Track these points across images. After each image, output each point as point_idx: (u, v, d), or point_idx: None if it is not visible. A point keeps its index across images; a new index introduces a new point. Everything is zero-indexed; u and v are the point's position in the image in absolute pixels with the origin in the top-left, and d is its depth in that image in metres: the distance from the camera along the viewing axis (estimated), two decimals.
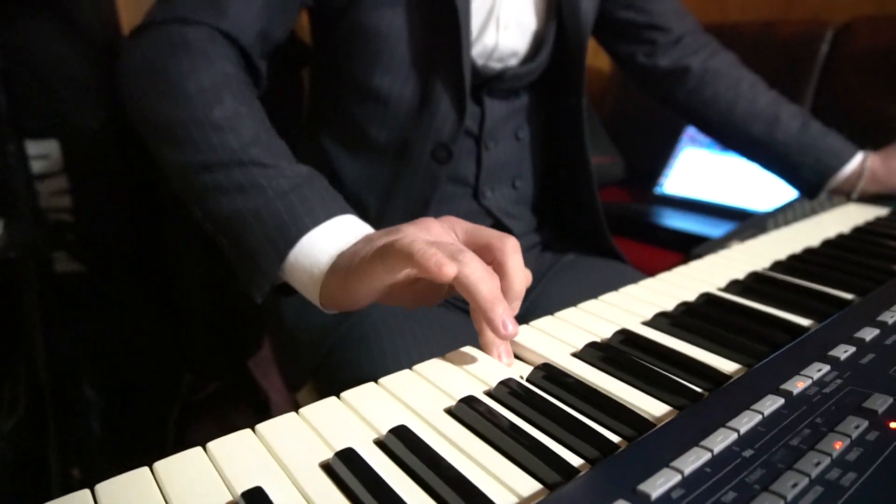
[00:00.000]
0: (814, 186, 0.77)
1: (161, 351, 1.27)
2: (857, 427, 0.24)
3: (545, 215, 0.77)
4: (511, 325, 0.33)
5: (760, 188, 1.34)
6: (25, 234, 0.99)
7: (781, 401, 0.26)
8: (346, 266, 0.39)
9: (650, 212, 1.42)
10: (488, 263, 0.37)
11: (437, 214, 0.66)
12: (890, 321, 0.34)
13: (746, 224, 0.81)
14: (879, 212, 0.69)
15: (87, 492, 0.25)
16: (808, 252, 0.54)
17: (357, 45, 0.61)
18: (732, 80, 0.79)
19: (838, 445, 0.23)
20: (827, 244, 0.56)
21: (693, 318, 0.42)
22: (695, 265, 0.54)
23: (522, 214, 0.74)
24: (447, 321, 0.61)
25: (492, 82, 0.65)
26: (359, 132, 0.64)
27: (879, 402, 0.25)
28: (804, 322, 0.39)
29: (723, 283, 0.48)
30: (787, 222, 0.74)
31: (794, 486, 0.20)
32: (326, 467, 0.25)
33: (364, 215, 0.66)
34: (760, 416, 0.25)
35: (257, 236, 0.43)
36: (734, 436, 0.24)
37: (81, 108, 1.22)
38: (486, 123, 0.66)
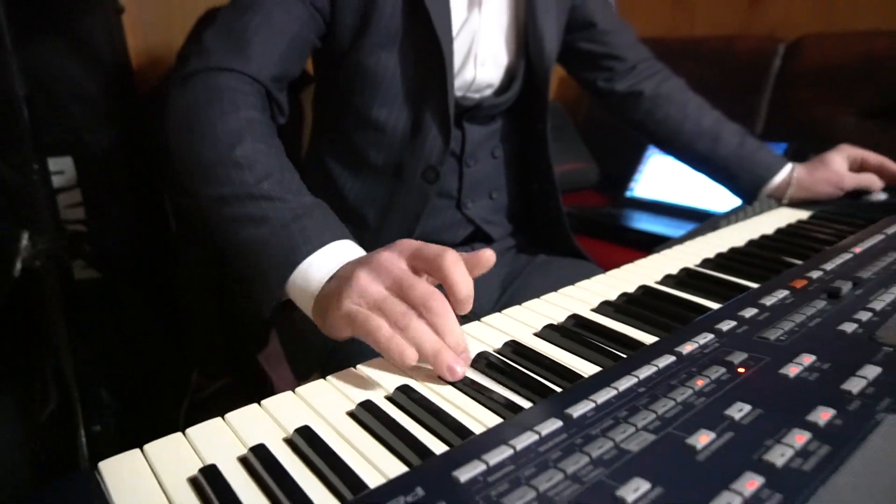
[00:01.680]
0: (750, 194, 0.89)
1: (169, 351, 1.36)
2: (716, 372, 0.35)
3: (519, 222, 0.88)
4: (458, 369, 0.41)
5: (720, 192, 1.46)
6: (48, 244, 1.08)
7: (673, 358, 0.37)
8: (325, 304, 0.48)
9: (621, 214, 1.54)
10: (434, 278, 0.46)
11: (425, 225, 0.78)
12: (768, 303, 0.45)
13: (704, 225, 0.92)
14: (805, 214, 0.81)
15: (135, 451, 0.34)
16: (733, 250, 0.66)
17: (357, 82, 0.72)
18: (681, 103, 0.90)
19: (700, 383, 0.34)
20: (750, 243, 0.68)
21: (631, 304, 0.53)
22: (641, 262, 0.65)
23: (500, 221, 0.85)
24: None
25: (471, 110, 0.76)
26: (359, 156, 0.75)
27: (736, 356, 0.36)
28: (711, 305, 0.50)
29: (659, 277, 0.59)
30: (737, 222, 0.86)
31: (664, 406, 0.31)
32: (243, 460, 0.33)
33: (364, 226, 0.78)
34: (656, 368, 0.36)
35: (265, 262, 0.53)
36: (635, 380, 0.35)
37: (93, 127, 1.31)
38: (466, 145, 0.77)
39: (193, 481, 0.32)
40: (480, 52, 0.74)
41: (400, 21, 0.69)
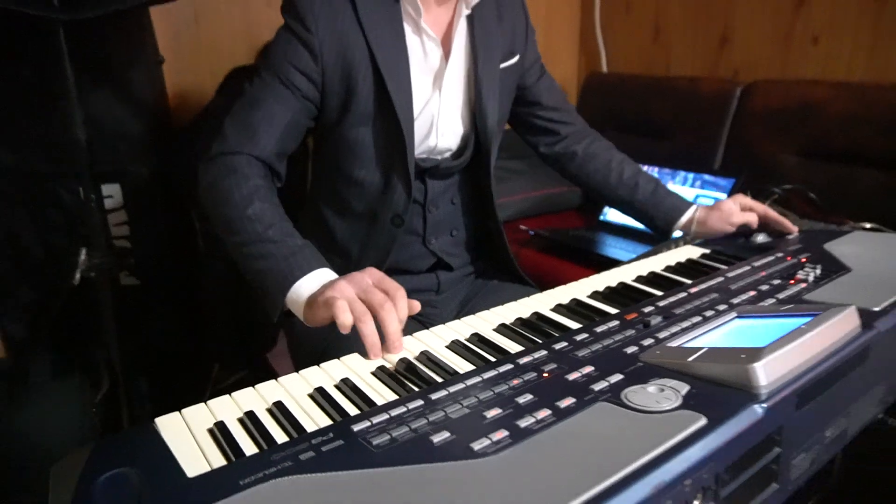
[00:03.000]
0: (664, 231, 1.09)
1: (196, 348, 1.61)
2: (530, 375, 0.56)
3: (474, 254, 1.10)
4: (392, 344, 0.65)
5: None
6: (101, 258, 1.32)
7: (511, 365, 0.59)
8: (312, 304, 0.71)
9: (589, 237, 1.74)
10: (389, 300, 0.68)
11: (397, 256, 1.00)
12: (598, 329, 0.66)
13: (650, 251, 1.11)
14: (698, 252, 1.00)
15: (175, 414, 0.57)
16: (620, 283, 0.86)
17: (342, 151, 0.94)
18: (606, 160, 1.11)
19: (515, 382, 0.55)
20: (637, 277, 0.89)
21: (520, 325, 0.74)
22: (557, 289, 0.86)
23: (458, 254, 1.07)
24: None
25: (433, 169, 0.98)
26: (344, 204, 0.98)
27: (548, 366, 0.57)
28: (574, 325, 0.71)
29: (566, 300, 0.80)
30: (656, 254, 1.06)
31: (484, 393, 0.53)
32: (240, 419, 0.55)
33: (348, 257, 1.00)
34: (496, 371, 0.57)
35: (271, 284, 0.76)
36: (479, 378, 0.56)
37: (136, 159, 1.55)
38: (429, 195, 0.99)
39: (210, 431, 0.54)
40: (441, 125, 0.96)
41: (372, 105, 0.91)
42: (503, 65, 1.00)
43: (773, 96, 1.66)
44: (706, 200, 1.64)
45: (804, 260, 0.85)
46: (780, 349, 0.51)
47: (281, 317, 0.78)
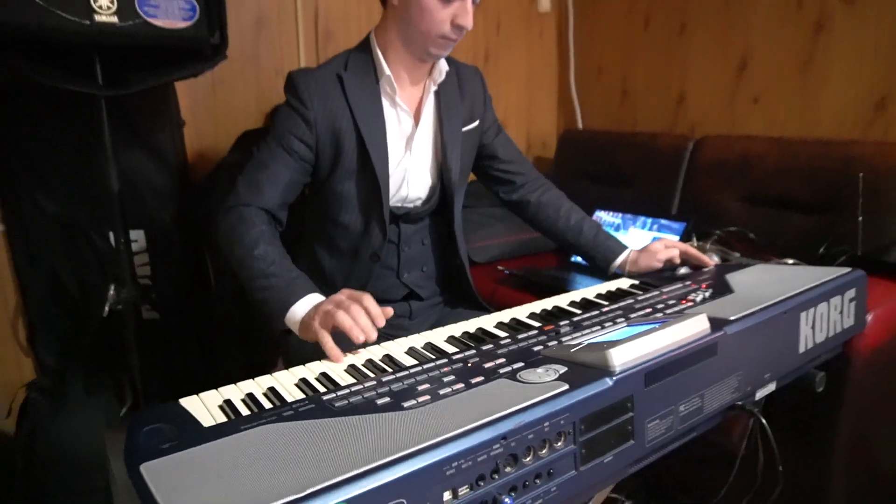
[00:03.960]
0: (602, 269, 1.29)
1: (205, 371, 1.80)
2: (457, 366, 0.75)
3: (442, 286, 1.30)
4: (370, 333, 0.85)
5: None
6: (127, 294, 1.53)
7: (446, 360, 0.78)
8: (306, 325, 0.91)
9: (558, 276, 1.93)
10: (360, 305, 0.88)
11: (374, 287, 1.21)
12: (520, 336, 0.85)
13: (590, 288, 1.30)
14: (628, 283, 1.19)
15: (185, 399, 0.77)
16: (555, 306, 1.06)
17: (331, 199, 1.16)
18: (556, 208, 1.32)
19: (446, 369, 0.74)
20: (571, 302, 1.08)
21: (466, 337, 0.93)
22: (498, 313, 1.05)
23: (428, 286, 1.27)
24: None
25: (405, 215, 1.19)
26: (331, 243, 1.19)
27: (471, 360, 0.76)
28: (502, 334, 0.90)
29: (506, 319, 0.99)
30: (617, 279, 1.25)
31: (420, 379, 0.72)
32: (242, 399, 0.77)
33: (334, 287, 1.21)
34: (434, 363, 0.77)
35: (273, 309, 0.96)
36: (420, 367, 0.76)
37: (159, 207, 1.78)
38: (402, 237, 1.21)
39: (219, 406, 0.73)
40: (411, 178, 1.18)
41: (355, 164, 1.14)
42: (464, 128, 1.22)
43: (718, 150, 1.88)
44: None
45: (703, 286, 1.05)
46: (632, 341, 0.70)
47: (282, 334, 0.98)
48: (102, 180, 1.50)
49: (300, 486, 0.49)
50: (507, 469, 0.59)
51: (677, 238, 1.80)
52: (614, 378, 0.67)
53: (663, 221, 1.90)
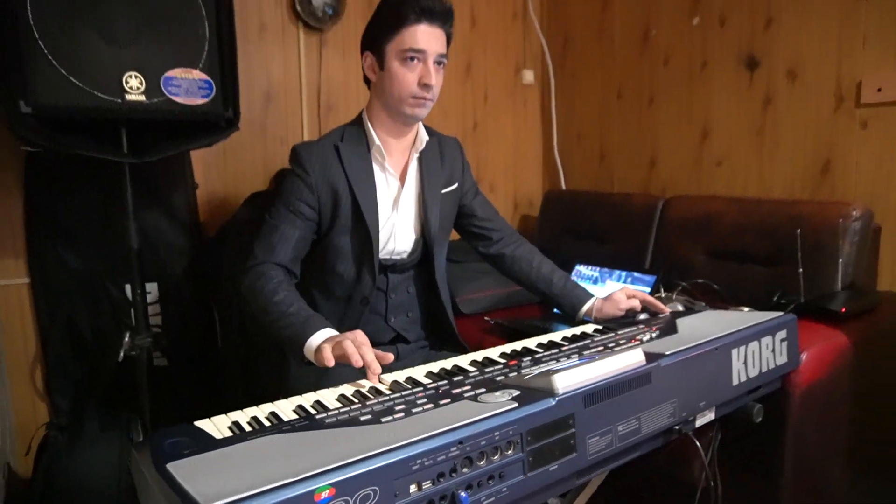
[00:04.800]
0: (570, 316, 1.44)
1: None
2: (431, 392, 0.89)
3: (428, 329, 1.44)
4: (374, 367, 0.98)
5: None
6: (141, 341, 1.67)
7: (420, 388, 0.91)
8: (318, 352, 1.05)
9: (541, 326, 2.07)
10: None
11: (364, 331, 1.34)
12: (487, 369, 0.99)
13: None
14: (592, 328, 1.33)
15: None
16: (524, 347, 1.19)
17: (329, 252, 1.32)
18: (529, 261, 1.47)
19: (420, 395, 0.88)
20: (538, 344, 1.22)
21: (442, 372, 1.07)
22: (474, 353, 1.19)
23: (414, 330, 1.42)
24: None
25: (392, 266, 1.35)
26: (328, 290, 1.34)
27: (444, 388, 0.89)
28: (473, 369, 1.04)
29: (479, 358, 1.13)
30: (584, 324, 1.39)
31: (409, 399, 0.85)
32: (248, 420, 0.90)
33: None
34: (411, 391, 0.90)
35: (294, 343, 1.10)
36: (409, 391, 0.89)
37: (172, 262, 1.94)
38: (389, 285, 1.36)
39: (229, 427, 0.87)
40: (398, 233, 1.35)
41: (350, 221, 1.30)
42: (444, 190, 1.39)
43: (684, 209, 2.05)
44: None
45: (654, 328, 1.19)
46: (573, 369, 0.85)
47: (301, 364, 1.12)
48: (122, 237, 1.66)
49: (295, 472, 0.62)
50: (464, 469, 0.72)
51: (648, 290, 1.95)
52: (557, 398, 0.81)
53: (636, 274, 2.05)
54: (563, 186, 2.75)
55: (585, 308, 1.41)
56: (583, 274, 2.20)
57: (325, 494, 0.61)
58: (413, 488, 0.68)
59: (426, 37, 1.22)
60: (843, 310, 1.40)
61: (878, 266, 1.73)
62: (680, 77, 2.23)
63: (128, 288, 1.84)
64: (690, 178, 2.24)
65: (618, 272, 2.11)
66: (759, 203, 1.85)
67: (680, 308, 1.57)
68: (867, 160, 1.75)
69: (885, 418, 1.44)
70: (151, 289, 1.89)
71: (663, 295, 1.84)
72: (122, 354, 1.64)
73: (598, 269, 2.14)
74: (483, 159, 2.69)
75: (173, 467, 0.68)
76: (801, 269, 1.53)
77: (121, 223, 1.66)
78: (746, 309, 1.57)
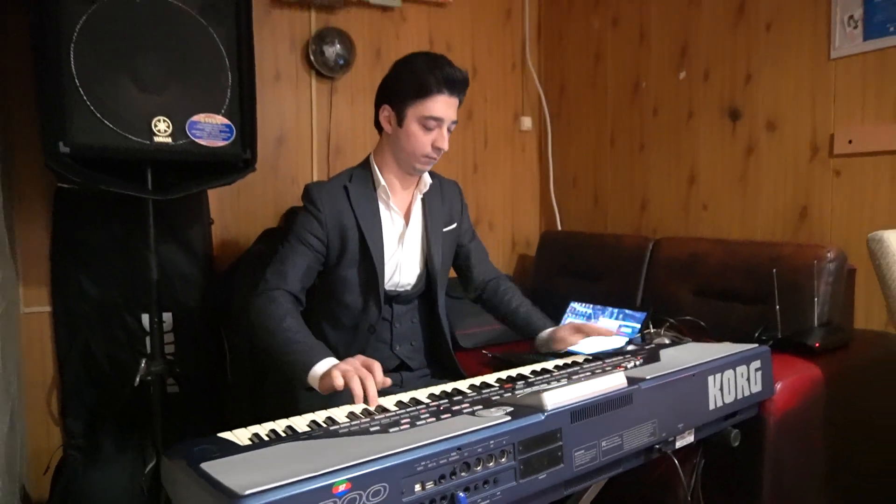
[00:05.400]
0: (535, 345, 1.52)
1: None
2: (433, 409, 0.98)
3: (429, 359, 1.54)
4: (371, 400, 1.07)
5: (605, 345, 2.08)
6: (156, 368, 1.76)
7: (424, 406, 1.00)
8: (323, 378, 1.14)
9: (535, 359, 2.16)
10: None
11: (371, 357, 1.44)
12: (483, 391, 1.08)
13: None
14: (590, 356, 1.42)
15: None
16: (518, 374, 1.29)
17: (337, 283, 1.43)
18: (508, 297, 1.57)
19: (423, 411, 0.97)
20: (532, 371, 1.31)
21: (443, 394, 1.16)
22: (473, 378, 1.28)
23: (417, 358, 1.51)
24: None
25: (397, 297, 1.45)
26: (336, 319, 1.44)
27: (444, 405, 0.99)
28: (471, 392, 1.13)
29: (477, 383, 1.22)
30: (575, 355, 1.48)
31: (405, 416, 0.95)
32: (267, 433, 0.98)
33: (337, 355, 1.44)
34: (415, 408, 1.00)
35: (298, 369, 1.19)
36: (414, 408, 0.98)
37: (186, 293, 2.04)
38: (394, 316, 1.46)
39: (249, 437, 0.96)
40: (403, 267, 1.46)
41: (357, 255, 1.41)
42: (444, 229, 1.51)
43: (672, 249, 2.16)
44: (627, 329, 2.08)
45: (639, 357, 1.29)
46: (561, 388, 0.94)
47: (302, 389, 1.21)
48: (142, 269, 1.77)
49: (315, 469, 0.72)
50: (462, 473, 0.81)
51: (638, 325, 2.05)
52: (546, 413, 0.90)
53: (627, 311, 2.15)
54: (560, 227, 2.87)
55: (543, 335, 1.49)
56: (577, 311, 2.30)
57: (342, 487, 0.70)
58: (418, 487, 0.77)
59: (445, 106, 1.35)
60: (818, 345, 1.49)
61: (854, 305, 1.83)
62: (668, 126, 2.38)
63: (144, 317, 1.94)
64: (679, 221, 2.36)
65: (610, 309, 2.21)
66: (741, 245, 1.96)
67: (667, 342, 1.67)
68: (841, 206, 1.88)
69: (858, 447, 1.53)
70: (166, 318, 1.98)
71: (652, 331, 1.94)
72: (137, 380, 1.73)
73: (591, 306, 2.24)
74: (483, 200, 2.82)
75: (207, 466, 0.77)
76: (777, 307, 1.63)
77: (142, 255, 1.77)
78: (729, 344, 1.67)
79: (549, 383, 1.11)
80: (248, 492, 0.66)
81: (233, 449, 0.86)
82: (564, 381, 1.10)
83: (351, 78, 2.44)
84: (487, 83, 2.82)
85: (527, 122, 2.94)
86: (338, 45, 2.36)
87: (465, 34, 2.74)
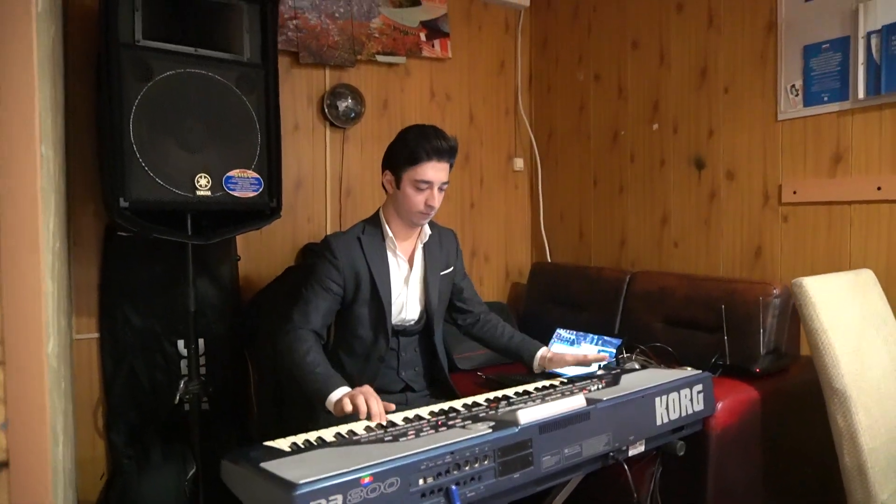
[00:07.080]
0: (527, 366, 1.79)
1: None
2: (432, 423, 1.24)
3: (429, 382, 1.80)
4: (377, 417, 1.34)
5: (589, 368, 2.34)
6: (194, 388, 2.03)
7: (424, 421, 1.27)
8: (336, 404, 1.41)
9: (525, 380, 2.42)
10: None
11: (380, 383, 1.74)
12: (472, 409, 1.34)
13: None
14: (565, 380, 1.69)
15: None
16: (503, 394, 1.55)
17: (352, 319, 1.70)
18: (494, 327, 1.85)
19: (425, 425, 1.23)
20: (515, 392, 1.58)
21: (439, 412, 1.43)
22: (465, 398, 1.55)
23: (420, 381, 1.78)
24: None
25: (402, 331, 1.73)
26: (351, 350, 1.72)
27: (441, 420, 1.26)
28: (464, 410, 1.40)
29: (469, 402, 1.49)
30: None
31: (410, 429, 1.21)
32: (302, 442, 1.25)
33: (352, 381, 1.71)
34: (416, 423, 1.26)
35: (318, 396, 1.45)
36: (416, 423, 1.25)
37: (215, 321, 2.31)
38: (400, 347, 1.73)
39: (289, 445, 1.23)
40: (407, 305, 1.73)
41: (369, 295, 1.69)
42: (442, 273, 1.79)
43: (645, 282, 2.44)
44: (605, 354, 2.35)
45: (602, 381, 1.56)
46: (533, 407, 1.21)
47: (322, 412, 1.47)
48: (179, 301, 2.05)
49: (347, 466, 0.99)
50: (454, 471, 1.08)
51: (613, 351, 2.31)
52: (519, 427, 1.18)
53: (606, 337, 2.42)
54: (549, 258, 3.15)
55: (535, 362, 1.76)
56: (562, 336, 2.57)
57: (366, 479, 0.98)
58: (421, 481, 1.04)
59: (433, 171, 1.63)
60: (758, 370, 1.76)
61: (801, 334, 2.10)
62: (643, 172, 2.67)
63: (180, 343, 2.22)
64: (653, 256, 2.64)
65: (591, 336, 2.48)
66: (703, 280, 2.24)
67: (637, 367, 1.94)
68: (789, 247, 2.15)
69: (791, 458, 1.79)
70: (199, 344, 2.25)
71: (625, 355, 2.21)
72: (178, 397, 2.00)
73: (574, 332, 2.52)
74: (479, 234, 3.11)
75: (266, 465, 1.04)
76: (726, 337, 1.90)
77: (180, 290, 2.04)
78: (689, 369, 1.94)
79: (526, 403, 1.38)
80: (302, 481, 0.93)
81: (279, 454, 1.13)
82: (539, 401, 1.37)
83: (360, 127, 2.74)
84: (483, 128, 3.12)
85: (519, 163, 3.23)
86: (349, 100, 2.66)
87: (463, 85, 3.04)
